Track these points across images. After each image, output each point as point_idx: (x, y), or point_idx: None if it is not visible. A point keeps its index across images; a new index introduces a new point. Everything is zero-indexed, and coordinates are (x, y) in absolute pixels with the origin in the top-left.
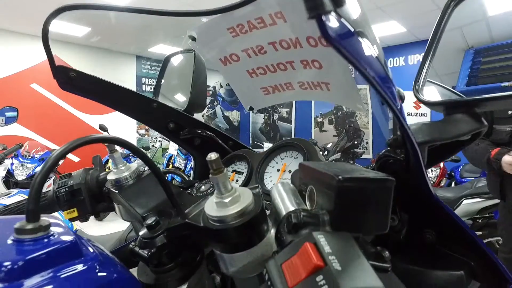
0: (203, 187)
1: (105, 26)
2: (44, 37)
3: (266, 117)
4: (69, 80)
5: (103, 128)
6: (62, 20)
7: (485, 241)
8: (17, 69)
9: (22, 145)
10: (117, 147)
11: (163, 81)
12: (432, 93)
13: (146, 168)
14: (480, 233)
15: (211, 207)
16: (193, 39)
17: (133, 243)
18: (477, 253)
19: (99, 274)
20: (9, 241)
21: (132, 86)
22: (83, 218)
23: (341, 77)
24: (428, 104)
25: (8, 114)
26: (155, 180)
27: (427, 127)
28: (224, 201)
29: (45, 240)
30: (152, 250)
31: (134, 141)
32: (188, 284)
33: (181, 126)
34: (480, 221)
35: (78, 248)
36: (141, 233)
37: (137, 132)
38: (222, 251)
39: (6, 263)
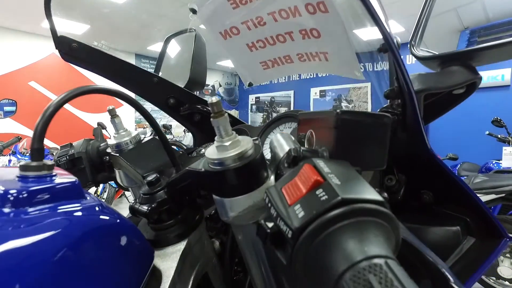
0: (203, 150)
1: (105, 24)
2: (46, 4)
3: (265, 116)
4: (71, 51)
5: (101, 125)
6: (61, 18)
7: None
8: (15, 67)
9: (21, 138)
10: (119, 113)
11: (164, 60)
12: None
13: (145, 136)
14: None
15: (212, 152)
16: (194, 11)
17: (133, 201)
18: (473, 210)
19: (101, 216)
20: (15, 177)
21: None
22: (83, 187)
23: (338, 44)
24: (423, 59)
25: (7, 108)
26: (155, 145)
27: (423, 76)
28: (224, 145)
29: (48, 178)
30: (153, 205)
31: None
32: (188, 240)
33: (181, 102)
34: None
35: (80, 190)
36: (141, 190)
37: (135, 129)
38: (223, 196)
39: (12, 191)
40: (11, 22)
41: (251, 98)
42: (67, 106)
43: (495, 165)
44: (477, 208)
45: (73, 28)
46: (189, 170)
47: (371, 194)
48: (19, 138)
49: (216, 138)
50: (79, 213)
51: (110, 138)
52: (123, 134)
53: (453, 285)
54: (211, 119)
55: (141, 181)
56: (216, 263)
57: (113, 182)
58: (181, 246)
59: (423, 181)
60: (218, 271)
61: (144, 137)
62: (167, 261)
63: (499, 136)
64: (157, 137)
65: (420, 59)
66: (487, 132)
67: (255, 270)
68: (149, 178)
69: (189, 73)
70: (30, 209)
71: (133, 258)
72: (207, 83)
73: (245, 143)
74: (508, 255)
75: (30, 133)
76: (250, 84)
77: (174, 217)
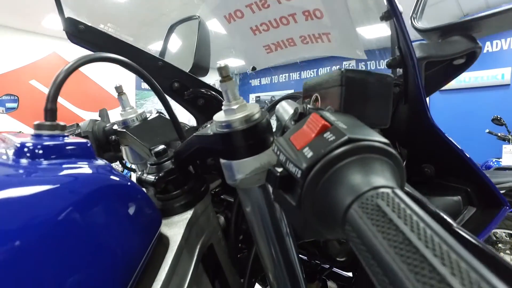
0: (209, 124)
1: (105, 23)
2: None
3: None
4: (78, 32)
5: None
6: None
7: None
8: (16, 65)
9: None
10: (125, 91)
11: (167, 48)
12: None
13: (151, 114)
14: None
15: (220, 115)
16: None
17: (140, 172)
18: (474, 180)
19: (111, 177)
20: (29, 136)
21: (132, 84)
22: None
23: (341, 23)
24: (424, 31)
25: (9, 105)
26: (161, 122)
27: (425, 45)
28: (232, 108)
29: (61, 138)
30: (160, 174)
31: None
32: (194, 210)
33: (185, 86)
34: None
35: (91, 152)
36: (148, 161)
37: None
38: (231, 159)
39: (28, 144)
40: (12, 20)
41: (252, 98)
42: (66, 103)
43: (495, 163)
44: (477, 179)
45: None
46: (197, 135)
47: (377, 136)
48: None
49: (224, 102)
50: (91, 171)
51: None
52: (130, 111)
53: (456, 228)
54: (220, 84)
55: (148, 155)
56: (221, 236)
57: (119, 163)
58: (187, 215)
59: (425, 155)
60: (223, 245)
61: (150, 115)
62: (174, 228)
63: (499, 134)
64: (162, 115)
65: (421, 31)
66: (487, 130)
67: (261, 238)
68: (157, 149)
69: (193, 59)
70: (45, 162)
71: (141, 220)
72: (207, 82)
73: (252, 107)
74: (508, 251)
75: (30, 131)
76: (253, 69)
77: (181, 188)
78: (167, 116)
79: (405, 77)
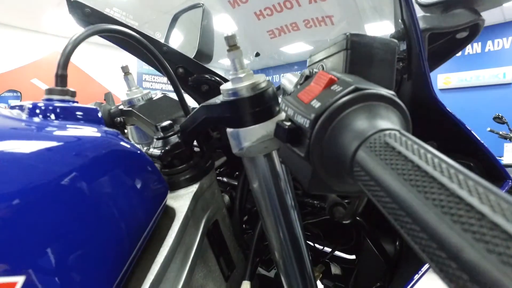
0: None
1: (111, 7)
2: None
3: None
4: (84, 16)
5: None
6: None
7: None
8: (18, 64)
9: None
10: (131, 71)
11: (171, 37)
12: None
13: (156, 95)
14: None
15: (227, 84)
16: None
17: (146, 148)
18: (477, 155)
19: (121, 143)
20: (41, 100)
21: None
22: None
23: (344, 5)
24: (426, 5)
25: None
26: (166, 101)
27: (428, 17)
28: (239, 76)
29: (71, 102)
30: (166, 148)
31: None
32: (200, 184)
33: (189, 72)
34: None
35: (101, 118)
36: (155, 135)
37: None
38: (237, 127)
39: (40, 105)
40: (14, 19)
41: None
42: None
43: None
44: (481, 153)
45: (76, 26)
46: (205, 105)
47: (382, 88)
48: None
49: (231, 72)
50: (99, 135)
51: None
52: (135, 91)
53: None
54: (227, 53)
55: (154, 133)
56: (226, 214)
57: None
58: (193, 188)
59: (428, 131)
60: (227, 222)
61: (156, 95)
62: (180, 201)
63: (500, 132)
64: (167, 95)
65: (423, 6)
66: (488, 129)
67: (266, 211)
68: (163, 124)
69: (197, 46)
70: (56, 122)
71: (148, 188)
72: None
73: (258, 77)
74: None
75: None
76: (257, 54)
77: (186, 162)
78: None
79: (409, 51)
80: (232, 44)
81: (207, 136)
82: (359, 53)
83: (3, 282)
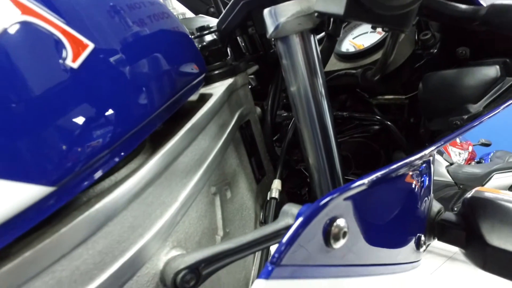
0: None
1: None
2: None
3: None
4: None
5: None
6: None
7: None
8: None
9: None
10: None
11: None
12: None
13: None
14: None
15: None
16: None
17: None
18: None
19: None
20: None
21: None
22: None
23: None
24: None
25: None
26: None
27: None
28: None
29: None
30: (203, 43)
31: None
32: (234, 79)
33: (220, 11)
34: None
35: None
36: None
37: None
38: (274, 4)
39: None
40: None
41: None
42: None
43: None
44: None
45: None
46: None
47: None
48: None
49: None
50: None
51: None
52: None
53: None
54: None
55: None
56: (257, 120)
57: None
58: (228, 81)
59: (461, 37)
60: (259, 128)
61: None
62: (215, 89)
63: None
64: None
65: None
66: None
67: (297, 96)
68: (200, 25)
69: None
70: None
71: (189, 55)
72: None
73: None
74: None
75: None
76: None
77: (222, 60)
78: None
79: None
80: None
81: (243, 28)
82: None
83: (78, 38)
